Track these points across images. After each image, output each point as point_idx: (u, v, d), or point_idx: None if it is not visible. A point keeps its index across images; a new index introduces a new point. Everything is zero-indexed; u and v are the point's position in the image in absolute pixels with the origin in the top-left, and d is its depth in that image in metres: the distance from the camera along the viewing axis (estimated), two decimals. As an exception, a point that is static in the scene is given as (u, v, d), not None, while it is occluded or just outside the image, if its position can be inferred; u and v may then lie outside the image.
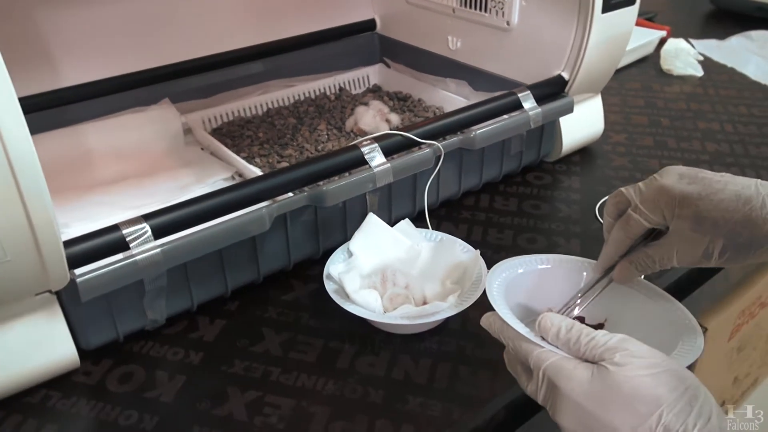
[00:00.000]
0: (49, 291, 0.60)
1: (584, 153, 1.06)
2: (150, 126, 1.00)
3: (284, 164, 0.97)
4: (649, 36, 1.36)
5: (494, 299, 0.53)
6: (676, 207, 0.53)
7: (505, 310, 0.51)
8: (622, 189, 0.56)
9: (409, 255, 0.77)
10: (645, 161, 1.03)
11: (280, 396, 0.63)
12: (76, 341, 0.63)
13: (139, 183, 0.91)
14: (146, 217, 0.64)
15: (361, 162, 0.77)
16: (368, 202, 0.82)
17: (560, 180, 0.98)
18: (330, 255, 0.73)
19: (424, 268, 0.71)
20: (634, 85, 1.30)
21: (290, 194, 0.76)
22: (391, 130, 1.01)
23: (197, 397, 0.63)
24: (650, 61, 1.35)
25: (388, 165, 0.77)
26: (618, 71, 1.25)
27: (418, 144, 0.83)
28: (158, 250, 0.63)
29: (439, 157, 0.84)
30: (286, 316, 0.73)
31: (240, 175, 0.94)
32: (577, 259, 0.62)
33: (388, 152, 0.80)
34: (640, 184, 0.55)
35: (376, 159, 0.79)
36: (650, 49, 1.43)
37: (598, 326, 0.59)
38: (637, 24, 1.21)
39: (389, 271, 0.75)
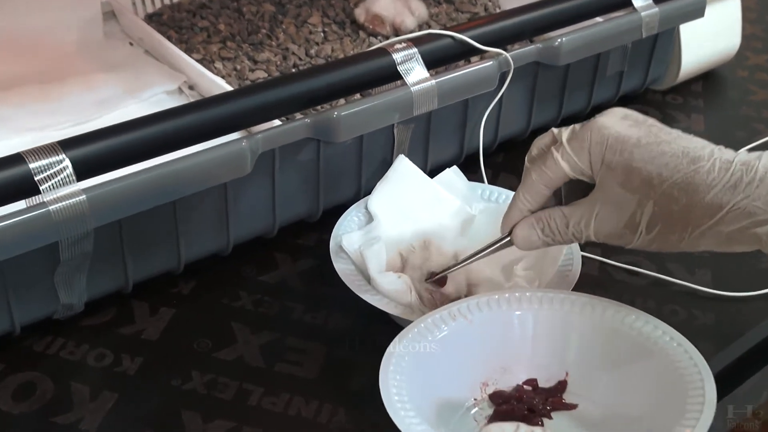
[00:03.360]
0: None
1: (710, 80, 1.05)
2: (54, 7, 0.97)
3: (260, 73, 0.94)
4: None
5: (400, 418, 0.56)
6: (606, 150, 0.58)
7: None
8: (554, 129, 0.62)
9: (457, 220, 0.76)
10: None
11: (264, 429, 0.62)
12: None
13: (40, 92, 0.88)
14: (65, 146, 0.63)
15: (391, 75, 0.76)
16: (396, 138, 0.80)
17: (674, 118, 0.97)
18: (332, 217, 0.75)
19: (478, 241, 0.70)
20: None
21: (277, 122, 0.75)
22: (416, 25, 1.00)
23: (136, 427, 0.62)
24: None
25: (433, 82, 0.78)
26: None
27: (478, 52, 0.81)
28: (83, 197, 0.62)
29: (505, 75, 0.83)
30: (268, 307, 0.73)
31: (192, 88, 0.92)
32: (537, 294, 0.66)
33: (431, 63, 0.79)
34: (577, 124, 0.61)
35: (415, 72, 0.77)
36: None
37: (558, 385, 0.64)
38: None
39: (428, 244, 0.75)
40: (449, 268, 0.70)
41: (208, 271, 0.76)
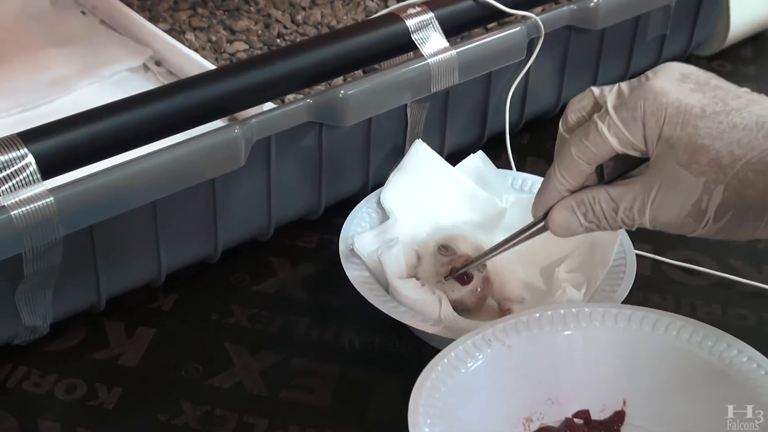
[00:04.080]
0: None
1: (761, 44, 1.05)
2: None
3: (239, 45, 0.94)
4: None
5: None
6: (664, 123, 0.55)
7: None
8: (594, 88, 0.60)
9: (485, 215, 0.76)
10: None
11: (273, 470, 0.63)
12: None
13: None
14: (26, 138, 0.62)
15: (405, 45, 0.77)
16: (409, 119, 0.80)
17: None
18: (335, 215, 0.75)
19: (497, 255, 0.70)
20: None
21: (270, 105, 0.75)
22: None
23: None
24: None
25: (454, 53, 0.78)
26: None
27: (503, 16, 0.81)
28: (50, 199, 0.62)
29: (534, 42, 0.83)
30: (267, 323, 0.73)
31: (159, 64, 0.92)
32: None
33: (449, 29, 0.78)
34: (623, 84, 0.58)
35: (432, 40, 0.77)
36: None
37: (615, 416, 0.63)
38: None
39: (452, 243, 0.73)
40: (473, 260, 0.69)
41: (194, 282, 0.76)
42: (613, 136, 0.57)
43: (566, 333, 0.62)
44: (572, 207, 0.59)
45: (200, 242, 0.74)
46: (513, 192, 0.77)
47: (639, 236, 0.73)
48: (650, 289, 0.74)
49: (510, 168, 0.81)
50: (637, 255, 0.72)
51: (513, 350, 0.61)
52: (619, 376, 0.62)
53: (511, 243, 0.65)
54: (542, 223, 0.62)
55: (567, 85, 0.90)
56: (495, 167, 0.77)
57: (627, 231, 0.72)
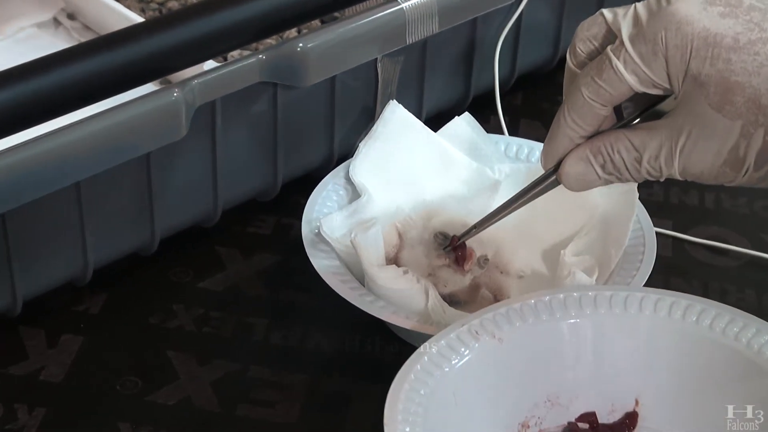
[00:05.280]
0: None
1: None
2: None
3: None
4: None
5: None
6: (690, 57, 0.55)
7: None
8: (605, 11, 0.59)
9: (475, 188, 0.77)
10: None
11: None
12: None
13: None
14: None
15: None
16: (380, 77, 0.80)
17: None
18: (295, 193, 0.76)
19: (505, 217, 0.70)
20: None
21: (212, 63, 0.75)
22: None
23: None
24: None
25: None
26: None
27: None
28: None
29: None
30: (218, 326, 0.73)
31: (72, 17, 0.92)
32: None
33: None
34: (640, 5, 0.58)
35: None
36: None
37: (626, 419, 0.64)
38: None
39: (432, 213, 0.75)
40: (472, 229, 0.69)
41: (127, 278, 0.76)
42: (631, 74, 0.57)
43: (568, 322, 0.62)
44: (588, 157, 0.60)
45: (133, 231, 0.74)
46: (507, 161, 0.77)
47: (657, 211, 0.74)
48: (672, 272, 0.75)
49: (501, 132, 0.81)
50: (656, 233, 0.73)
51: (505, 344, 0.61)
52: (630, 372, 0.63)
53: (519, 202, 0.66)
54: (554, 177, 0.62)
55: (566, 33, 0.90)
56: (484, 132, 0.77)
57: (644, 205, 0.74)
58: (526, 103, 0.91)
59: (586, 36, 0.60)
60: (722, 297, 0.73)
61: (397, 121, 0.76)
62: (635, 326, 0.62)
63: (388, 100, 0.78)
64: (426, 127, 0.77)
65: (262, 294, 0.75)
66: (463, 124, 0.77)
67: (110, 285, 0.75)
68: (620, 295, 0.63)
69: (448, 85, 0.86)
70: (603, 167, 0.59)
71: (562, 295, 0.63)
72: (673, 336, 0.62)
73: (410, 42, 0.77)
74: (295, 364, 0.70)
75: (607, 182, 0.60)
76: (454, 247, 0.70)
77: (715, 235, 0.78)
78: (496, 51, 0.85)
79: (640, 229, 0.71)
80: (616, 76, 0.57)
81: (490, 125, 0.83)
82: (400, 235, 0.74)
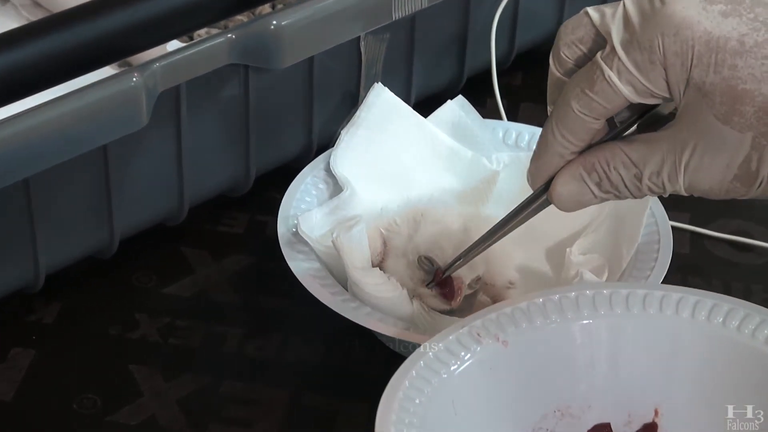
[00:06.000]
0: None
1: None
2: None
3: None
4: None
5: None
6: (692, 65, 0.55)
7: None
8: (590, 11, 0.58)
9: (470, 181, 0.77)
10: None
11: None
12: None
13: None
14: None
15: None
16: (364, 57, 0.80)
17: None
18: (270, 188, 0.77)
19: (504, 213, 0.68)
20: None
21: (176, 43, 0.75)
22: None
23: None
24: None
25: None
26: None
27: None
28: None
29: None
30: (185, 336, 0.74)
31: None
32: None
33: None
34: (629, 3, 0.57)
35: None
36: None
37: (645, 429, 0.65)
38: None
39: (420, 217, 0.75)
40: (456, 261, 0.69)
41: (84, 284, 0.76)
42: (626, 85, 0.56)
43: (580, 323, 0.63)
44: (581, 175, 0.60)
45: (90, 232, 0.74)
46: (506, 149, 0.77)
47: (674, 204, 0.74)
48: (690, 271, 0.75)
49: (499, 117, 0.81)
50: (672, 228, 0.73)
51: (510, 347, 0.61)
52: (649, 379, 0.63)
53: (506, 228, 0.65)
54: (544, 197, 0.62)
55: (570, 7, 0.91)
56: (480, 117, 0.77)
57: (659, 197, 0.73)
58: (527, 84, 0.91)
59: (571, 40, 0.59)
60: (746, 298, 0.72)
61: (382, 105, 0.76)
62: (655, 328, 0.63)
63: (373, 83, 0.77)
64: (415, 112, 0.76)
65: (235, 300, 0.75)
66: (456, 108, 0.77)
67: (65, 292, 0.75)
68: (638, 293, 0.63)
69: (439, 65, 0.86)
70: (599, 185, 0.59)
71: (573, 294, 0.63)
72: (698, 339, 0.62)
73: (397, 18, 0.77)
74: (273, 378, 0.70)
75: (604, 200, 0.60)
76: (438, 282, 0.70)
77: (738, 230, 0.78)
78: (492, 27, 0.85)
79: (655, 224, 0.71)
80: (610, 88, 0.57)
81: (486, 109, 0.83)
82: (384, 242, 0.74)
